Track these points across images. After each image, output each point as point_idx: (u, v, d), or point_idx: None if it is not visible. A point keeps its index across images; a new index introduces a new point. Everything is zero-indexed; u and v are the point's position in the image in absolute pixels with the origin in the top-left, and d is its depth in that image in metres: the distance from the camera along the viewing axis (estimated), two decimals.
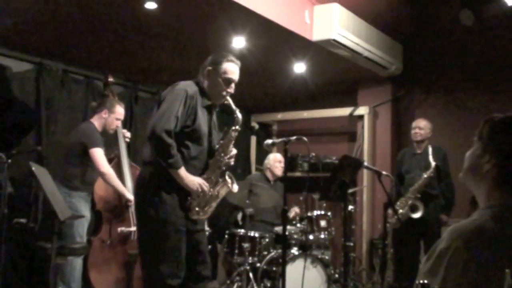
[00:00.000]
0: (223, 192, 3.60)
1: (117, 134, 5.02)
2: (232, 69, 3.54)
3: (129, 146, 5.30)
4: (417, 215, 5.60)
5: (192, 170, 3.45)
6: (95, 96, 5.65)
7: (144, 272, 3.54)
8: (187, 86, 3.44)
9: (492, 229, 1.46)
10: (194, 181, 3.42)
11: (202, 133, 3.48)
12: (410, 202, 5.64)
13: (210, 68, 3.53)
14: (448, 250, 1.46)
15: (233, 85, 3.55)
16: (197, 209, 3.49)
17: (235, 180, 3.65)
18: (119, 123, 4.95)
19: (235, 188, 3.63)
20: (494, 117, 1.64)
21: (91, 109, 5.11)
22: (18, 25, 4.71)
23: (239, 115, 3.55)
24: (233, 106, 3.52)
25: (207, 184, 3.47)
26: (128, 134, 5.14)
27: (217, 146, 3.59)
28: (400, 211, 5.63)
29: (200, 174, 3.51)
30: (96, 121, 4.86)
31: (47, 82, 5.30)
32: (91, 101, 5.57)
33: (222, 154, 3.54)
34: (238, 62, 3.60)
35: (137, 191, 3.56)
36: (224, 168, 3.57)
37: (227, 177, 3.56)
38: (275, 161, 6.19)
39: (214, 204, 3.59)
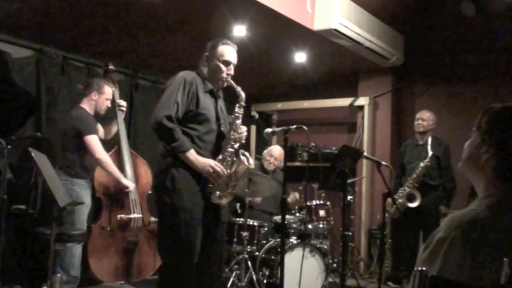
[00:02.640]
0: (240, 170, 3.62)
1: (118, 121, 5.01)
2: (228, 51, 3.62)
3: (128, 133, 5.29)
4: (414, 204, 5.63)
5: (203, 152, 3.51)
6: None
7: (161, 258, 3.66)
8: (185, 74, 3.54)
9: (489, 218, 1.46)
10: (204, 163, 3.47)
11: (208, 115, 3.54)
12: (407, 191, 5.67)
13: (207, 53, 3.64)
14: (446, 239, 1.47)
15: (231, 66, 3.64)
16: (218, 193, 3.54)
17: (250, 156, 3.68)
18: (109, 103, 4.93)
19: (252, 164, 3.68)
20: (492, 107, 1.63)
21: (78, 93, 4.99)
22: (19, 11, 4.69)
23: (242, 92, 3.63)
24: (235, 85, 3.62)
25: (220, 165, 3.51)
26: (124, 103, 5.10)
27: (227, 131, 3.66)
28: (399, 200, 5.66)
29: (213, 156, 3.56)
30: (86, 105, 4.81)
31: (47, 68, 5.30)
32: None
33: (232, 132, 3.59)
34: (234, 46, 3.68)
35: (155, 181, 3.65)
36: (237, 146, 3.61)
37: (241, 155, 3.59)
38: (268, 154, 6.16)
39: (234, 185, 3.62)
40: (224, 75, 3.60)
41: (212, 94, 3.64)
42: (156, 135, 3.49)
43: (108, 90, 4.90)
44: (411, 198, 5.67)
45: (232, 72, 3.64)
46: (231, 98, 3.80)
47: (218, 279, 3.79)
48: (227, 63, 3.61)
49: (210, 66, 3.62)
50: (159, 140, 3.50)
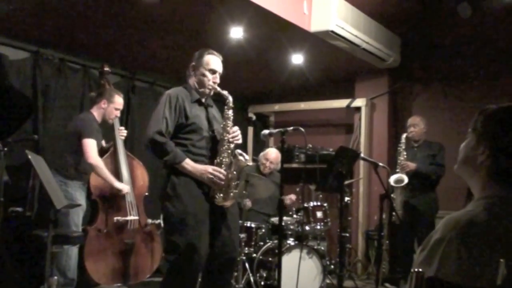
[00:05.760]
0: (239, 169, 3.67)
1: (114, 124, 5.01)
2: (213, 60, 3.73)
3: (126, 136, 5.28)
4: (401, 184, 5.73)
5: (200, 158, 3.58)
6: (92, 85, 5.64)
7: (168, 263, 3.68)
8: (170, 91, 3.69)
9: (485, 220, 1.46)
10: (202, 170, 3.53)
11: (199, 124, 3.62)
12: (396, 176, 5.78)
13: (193, 63, 3.75)
14: (442, 240, 1.46)
15: (217, 75, 3.73)
16: (221, 195, 3.58)
17: (244, 154, 3.74)
18: (118, 113, 4.96)
19: (249, 159, 3.80)
20: (488, 108, 1.63)
21: (90, 100, 5.09)
22: (16, 13, 4.68)
23: (229, 95, 3.70)
24: (221, 91, 3.71)
25: (218, 168, 3.57)
26: (124, 132, 5.13)
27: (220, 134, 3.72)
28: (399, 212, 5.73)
29: (211, 161, 3.62)
30: (96, 112, 4.86)
31: (44, 70, 5.29)
32: (88, 90, 5.57)
33: (225, 133, 3.65)
34: (220, 56, 3.78)
35: (160, 190, 3.68)
36: (232, 146, 3.68)
37: (238, 155, 3.65)
38: (264, 158, 6.12)
39: (236, 185, 3.67)
40: (211, 83, 3.70)
41: (200, 103, 3.72)
42: (151, 153, 3.54)
43: (119, 100, 4.92)
44: (398, 182, 5.78)
45: (217, 80, 3.74)
46: (221, 104, 3.84)
47: (229, 282, 3.81)
48: (213, 72, 3.71)
49: (197, 75, 3.72)
50: (153, 154, 3.54)
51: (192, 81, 3.74)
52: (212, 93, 3.75)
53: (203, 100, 3.74)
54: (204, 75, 3.69)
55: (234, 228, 3.76)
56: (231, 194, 3.64)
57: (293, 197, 6.13)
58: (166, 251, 3.67)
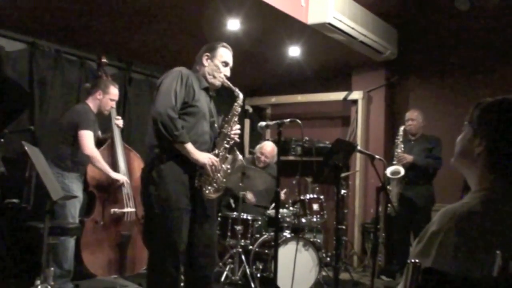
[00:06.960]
0: (235, 165, 3.75)
1: (110, 115, 5.01)
2: (227, 53, 3.78)
3: (122, 127, 5.28)
4: (398, 175, 5.80)
5: (197, 147, 3.56)
6: (88, 77, 5.63)
7: (147, 249, 3.69)
8: (181, 68, 3.65)
9: (482, 211, 1.47)
10: (203, 154, 3.54)
11: (201, 108, 3.62)
12: (392, 168, 5.83)
13: (208, 53, 3.75)
14: (439, 232, 1.47)
15: (228, 68, 3.77)
16: (210, 188, 3.61)
17: (239, 152, 3.81)
18: (113, 104, 4.95)
19: (240, 157, 3.83)
20: (483, 101, 1.64)
21: (85, 91, 5.08)
22: (12, 4, 4.66)
23: (240, 93, 3.75)
24: (232, 86, 3.75)
25: (216, 159, 3.60)
26: (121, 122, 5.11)
27: (220, 127, 3.78)
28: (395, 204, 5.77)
29: (202, 150, 3.60)
30: (91, 103, 4.84)
31: (40, 62, 5.27)
32: (84, 82, 5.55)
33: (229, 128, 3.70)
34: (231, 49, 3.82)
35: (142, 172, 3.68)
36: (232, 142, 3.73)
37: (236, 149, 3.73)
38: (259, 151, 6.11)
39: (224, 180, 3.70)
40: (222, 75, 3.73)
41: (207, 92, 3.74)
42: (158, 125, 3.44)
43: (114, 91, 4.91)
44: (395, 173, 5.84)
45: (228, 73, 3.77)
46: (227, 98, 3.86)
47: (211, 271, 3.80)
48: (226, 64, 3.75)
49: (210, 65, 3.74)
50: (161, 131, 3.43)
51: (203, 70, 3.74)
52: (219, 85, 3.78)
53: (210, 91, 3.78)
54: (217, 67, 3.72)
55: (212, 215, 3.79)
56: (220, 187, 3.67)
57: (282, 194, 6.06)
58: (147, 236, 3.65)
